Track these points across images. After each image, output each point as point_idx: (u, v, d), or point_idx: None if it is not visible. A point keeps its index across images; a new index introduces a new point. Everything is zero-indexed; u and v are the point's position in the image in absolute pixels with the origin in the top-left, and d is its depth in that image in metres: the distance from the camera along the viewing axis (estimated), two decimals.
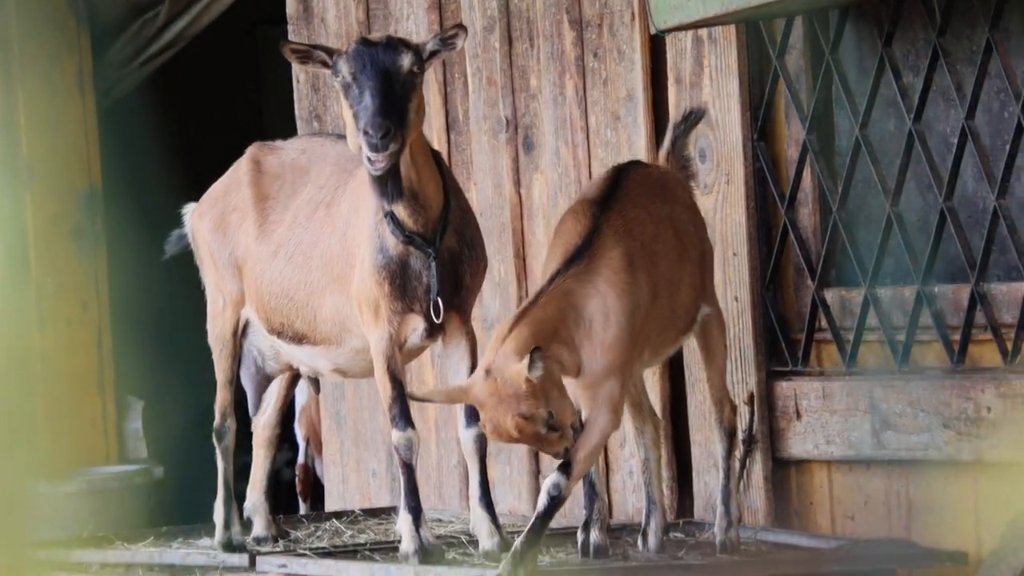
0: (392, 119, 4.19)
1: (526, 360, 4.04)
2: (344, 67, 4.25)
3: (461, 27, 4.30)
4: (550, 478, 4.17)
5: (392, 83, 4.22)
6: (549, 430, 4.10)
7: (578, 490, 4.38)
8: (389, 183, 4.30)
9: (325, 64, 4.30)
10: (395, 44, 4.27)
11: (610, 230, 4.29)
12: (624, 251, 4.26)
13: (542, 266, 5.19)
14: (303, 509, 6.61)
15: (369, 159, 4.22)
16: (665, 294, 4.36)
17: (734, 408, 4.59)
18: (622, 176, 4.46)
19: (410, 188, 4.33)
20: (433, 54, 4.30)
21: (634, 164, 4.63)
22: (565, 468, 4.16)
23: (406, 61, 4.25)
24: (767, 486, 5.03)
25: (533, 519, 4.16)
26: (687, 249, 4.48)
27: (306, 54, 4.33)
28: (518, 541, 4.16)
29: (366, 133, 4.18)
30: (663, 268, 4.36)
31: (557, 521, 4.53)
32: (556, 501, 4.14)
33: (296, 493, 6.77)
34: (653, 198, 4.45)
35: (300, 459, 6.65)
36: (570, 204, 4.79)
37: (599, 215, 4.31)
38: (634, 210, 4.37)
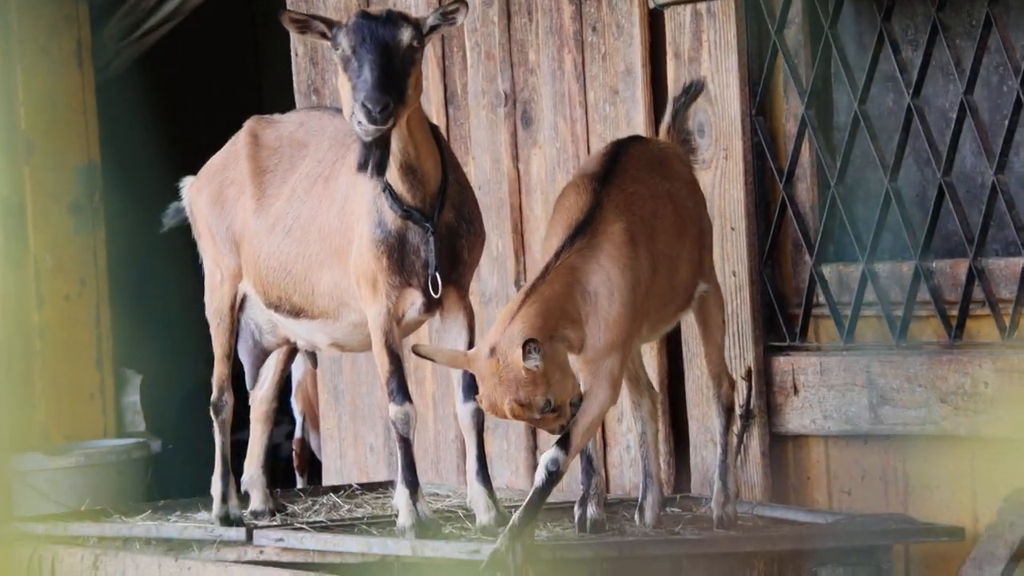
0: (391, 94, 4.17)
1: (532, 355, 4.04)
2: (344, 40, 4.24)
3: (461, 2, 4.29)
4: (548, 453, 4.17)
5: (392, 57, 4.21)
6: (546, 413, 4.10)
7: (575, 465, 4.38)
8: (377, 155, 4.27)
9: (324, 36, 4.29)
10: (395, 18, 4.26)
11: (611, 205, 4.28)
12: (625, 226, 4.26)
13: (542, 241, 5.18)
14: (300, 483, 6.62)
15: (360, 127, 4.19)
16: (664, 270, 4.36)
17: (732, 383, 4.59)
18: (622, 151, 4.45)
19: (408, 163, 4.32)
20: (433, 29, 4.29)
21: (634, 139, 4.62)
22: (563, 443, 4.16)
23: (406, 35, 4.23)
24: (764, 461, 5.03)
25: (531, 494, 4.17)
26: (686, 225, 4.47)
27: (305, 24, 4.32)
28: (515, 515, 4.16)
29: (365, 107, 4.16)
30: (662, 244, 4.36)
31: (554, 496, 4.53)
32: (554, 476, 4.14)
33: (293, 467, 6.77)
34: (653, 173, 4.44)
35: (296, 433, 6.66)
36: (569, 179, 4.79)
37: (600, 190, 4.31)
38: (634, 185, 4.36)
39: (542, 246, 4.44)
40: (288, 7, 6.11)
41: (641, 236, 4.29)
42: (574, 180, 4.43)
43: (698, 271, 4.50)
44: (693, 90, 4.62)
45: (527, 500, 4.16)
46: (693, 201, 4.55)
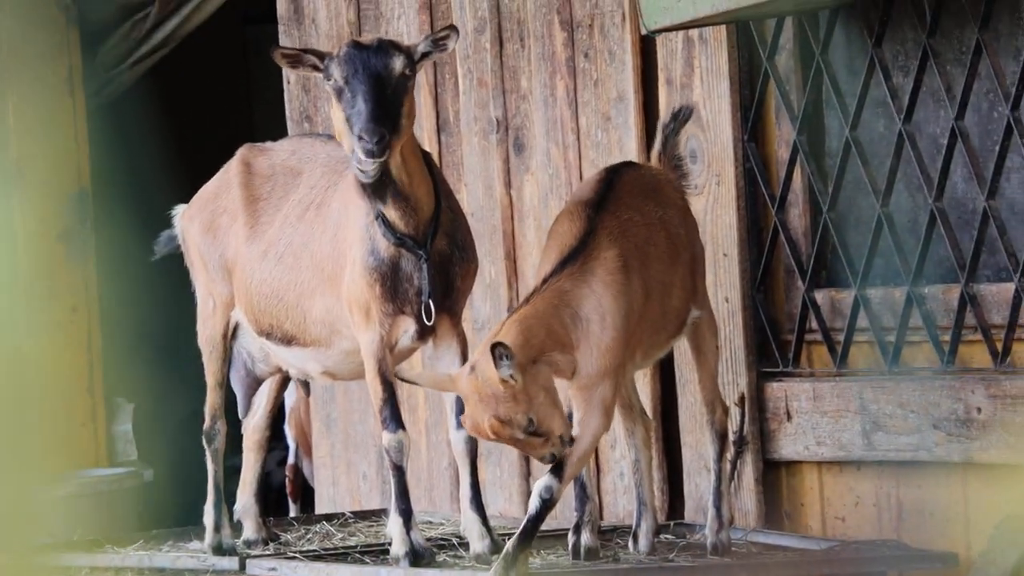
0: (386, 124, 4.18)
1: (503, 361, 4.02)
2: (336, 71, 4.24)
3: (452, 28, 4.29)
4: (541, 480, 4.16)
5: (384, 87, 4.22)
6: (530, 435, 4.08)
7: (569, 492, 4.37)
8: (380, 186, 4.29)
9: (316, 68, 4.29)
10: (386, 47, 4.26)
11: (605, 232, 4.29)
12: (619, 253, 4.26)
13: (535, 268, 5.17)
14: (292, 511, 6.60)
15: (359, 164, 4.21)
16: (657, 296, 4.36)
17: (725, 410, 4.59)
18: (615, 178, 4.46)
19: (401, 191, 4.33)
20: (424, 56, 4.29)
21: (627, 165, 4.63)
22: (557, 471, 4.16)
23: (398, 64, 4.24)
24: (758, 487, 5.03)
25: (524, 521, 4.16)
26: (679, 252, 4.47)
27: (296, 58, 4.32)
28: (510, 543, 4.16)
29: (361, 139, 4.17)
30: (655, 271, 4.36)
31: (548, 523, 4.50)
32: (548, 504, 4.13)
33: (286, 495, 6.75)
34: (646, 200, 4.45)
35: (290, 460, 6.64)
36: (561, 206, 4.79)
37: (594, 216, 4.31)
38: (627, 212, 4.36)
39: (536, 273, 4.44)
40: (280, 35, 6.11)
41: (634, 263, 4.29)
42: (567, 207, 4.43)
43: (691, 297, 4.50)
44: (682, 116, 4.62)
45: (521, 528, 4.16)
46: (685, 227, 4.55)
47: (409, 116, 4.25)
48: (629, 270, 4.26)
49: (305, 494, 6.58)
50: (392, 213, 4.34)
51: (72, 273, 6.87)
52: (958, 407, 4.65)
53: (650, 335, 4.38)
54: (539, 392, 4.09)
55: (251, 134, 5.66)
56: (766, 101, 5.08)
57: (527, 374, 4.07)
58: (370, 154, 4.17)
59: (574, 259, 4.24)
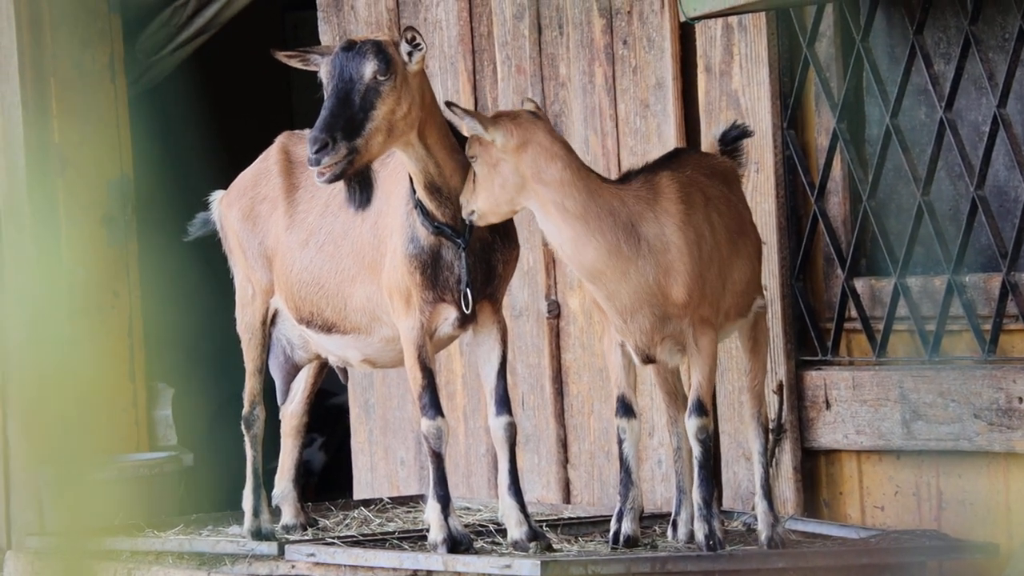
0: (333, 132, 4.14)
1: None
2: (323, 73, 4.25)
3: (412, 29, 4.23)
4: (689, 427, 4.27)
5: (350, 93, 4.18)
6: None
7: (613, 478, 4.36)
8: (357, 190, 4.27)
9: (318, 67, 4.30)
10: (364, 51, 4.21)
11: (668, 172, 4.32)
12: (681, 187, 4.31)
13: None
14: None
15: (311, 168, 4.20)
16: (725, 251, 4.36)
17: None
18: (677, 154, 4.51)
19: (431, 182, 4.32)
20: (410, 57, 4.24)
21: (692, 148, 4.67)
22: (698, 410, 4.27)
23: (368, 69, 4.20)
24: (797, 476, 5.02)
25: (699, 471, 4.28)
26: (744, 228, 4.47)
27: (301, 58, 4.33)
28: (698, 499, 4.26)
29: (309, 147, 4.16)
30: (720, 227, 4.35)
31: (585, 510, 4.51)
32: (708, 443, 4.27)
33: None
34: (712, 176, 4.46)
35: None
36: None
37: (654, 169, 4.35)
38: (693, 172, 4.38)
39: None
40: (320, 21, 6.12)
41: (698, 199, 4.32)
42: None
43: (756, 281, 4.49)
44: (737, 132, 4.66)
45: (700, 477, 4.28)
46: (748, 213, 4.56)
47: (387, 119, 4.18)
48: (693, 205, 4.28)
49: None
50: (428, 203, 4.34)
51: (114, 258, 6.89)
52: (999, 396, 4.63)
53: (723, 292, 4.38)
54: None
55: (290, 122, 5.67)
56: (806, 88, 5.05)
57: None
58: (310, 162, 4.16)
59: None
